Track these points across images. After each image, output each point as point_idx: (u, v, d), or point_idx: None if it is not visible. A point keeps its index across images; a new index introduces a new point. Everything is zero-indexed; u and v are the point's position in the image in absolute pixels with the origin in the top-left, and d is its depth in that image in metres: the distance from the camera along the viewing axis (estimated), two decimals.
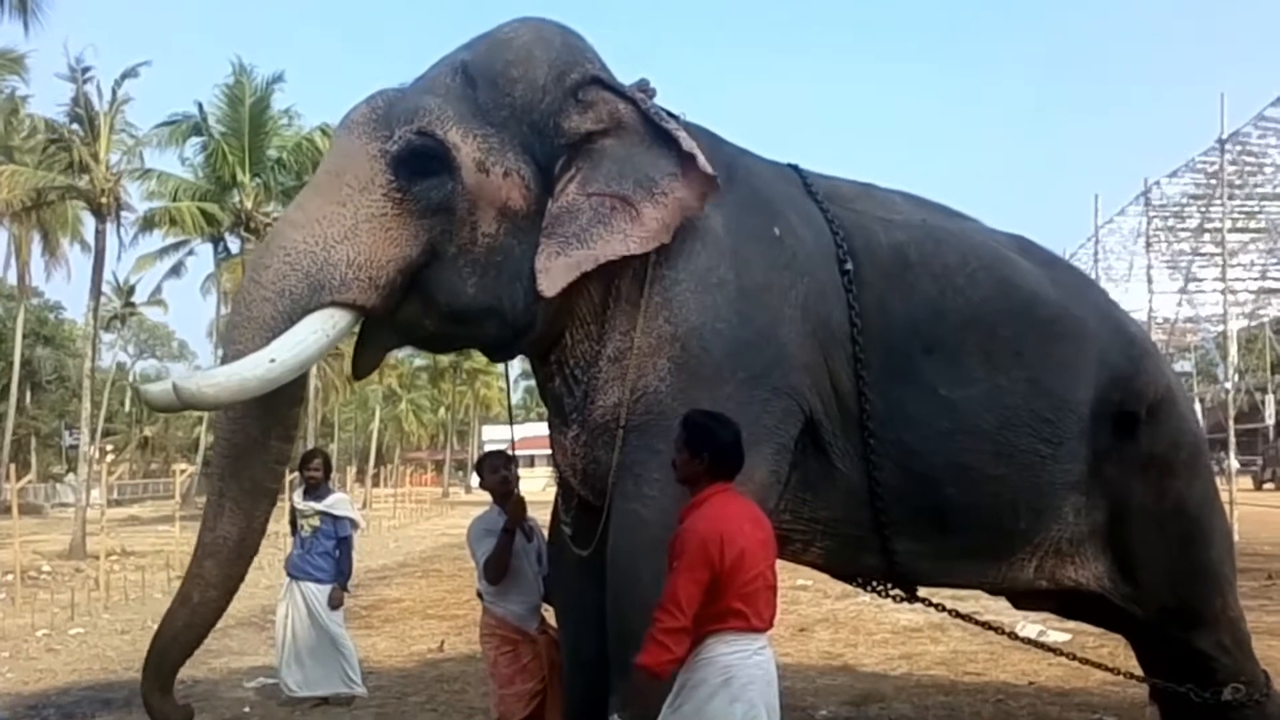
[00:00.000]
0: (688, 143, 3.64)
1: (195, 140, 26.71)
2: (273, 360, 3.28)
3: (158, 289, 47.55)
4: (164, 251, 34.05)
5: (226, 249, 32.47)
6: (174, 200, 26.80)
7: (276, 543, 19.48)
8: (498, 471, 4.72)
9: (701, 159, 3.61)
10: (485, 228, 3.59)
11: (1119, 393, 4.21)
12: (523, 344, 3.83)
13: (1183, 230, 21.18)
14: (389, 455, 63.94)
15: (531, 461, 63.09)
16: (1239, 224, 20.03)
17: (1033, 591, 4.39)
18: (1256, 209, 20.09)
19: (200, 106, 26.72)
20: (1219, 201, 18.55)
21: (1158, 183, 20.28)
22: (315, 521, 7.07)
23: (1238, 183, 18.85)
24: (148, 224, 27.60)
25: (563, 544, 4.12)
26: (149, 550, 19.21)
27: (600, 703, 3.74)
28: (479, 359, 56.89)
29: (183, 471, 22.45)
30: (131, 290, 51.57)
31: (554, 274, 3.58)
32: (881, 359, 3.87)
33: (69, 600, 11.89)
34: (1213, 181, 18.88)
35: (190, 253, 34.47)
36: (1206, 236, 20.78)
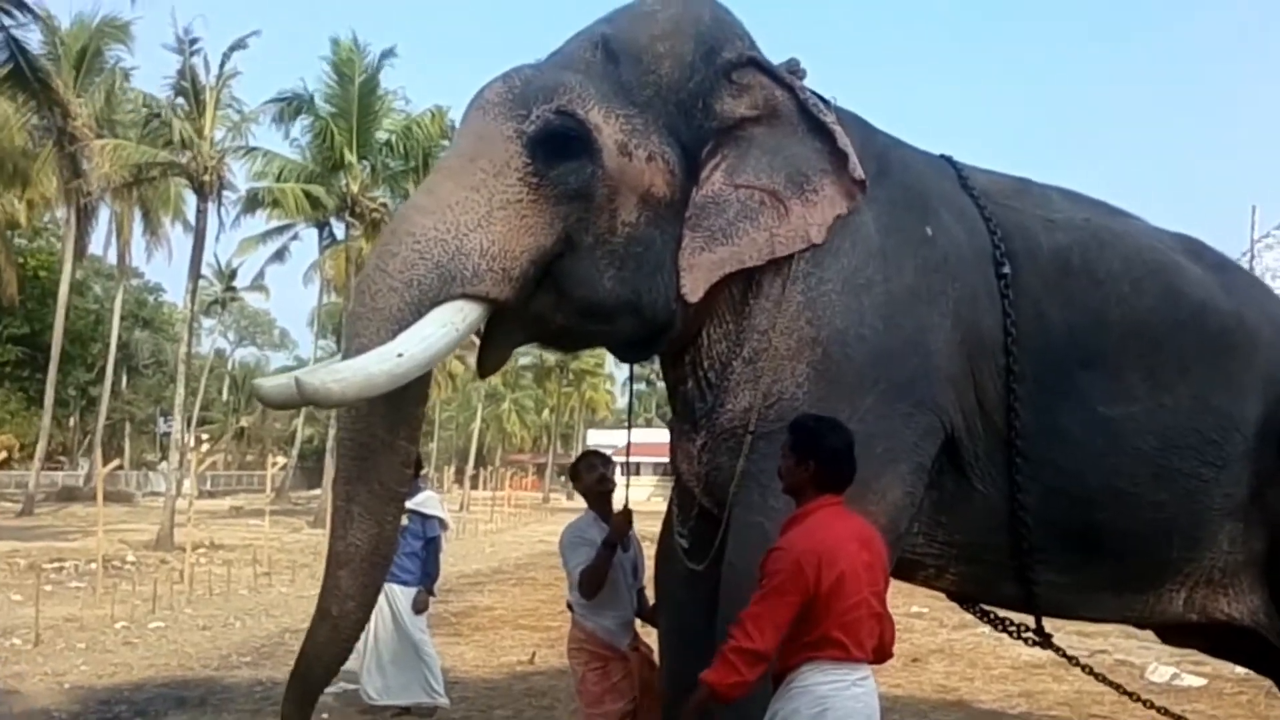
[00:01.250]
0: (843, 139, 3.61)
1: (303, 121, 27.41)
2: (400, 355, 3.20)
3: (260, 274, 49.00)
4: (267, 235, 35.31)
5: (331, 234, 33.41)
6: (278, 181, 27.56)
7: None
8: (595, 470, 4.66)
9: (854, 160, 3.59)
10: (626, 216, 3.54)
11: None
12: (660, 343, 3.77)
13: None
14: (490, 457, 65.02)
15: (637, 469, 63.67)
16: None
17: (1181, 626, 4.25)
18: None
19: (304, 85, 27.41)
20: None
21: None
22: (403, 520, 7.11)
23: None
24: (251, 204, 28.43)
25: (673, 557, 4.05)
26: (237, 544, 19.80)
27: None
28: (587, 359, 58.24)
29: (276, 464, 23.11)
30: (233, 274, 53.45)
31: (698, 272, 3.56)
32: (1035, 372, 3.79)
33: (151, 592, 12.25)
34: None
35: (294, 237, 35.65)
36: None
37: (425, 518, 7.06)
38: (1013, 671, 8.90)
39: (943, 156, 4.22)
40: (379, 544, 3.41)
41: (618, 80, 3.61)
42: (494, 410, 59.35)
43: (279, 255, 37.47)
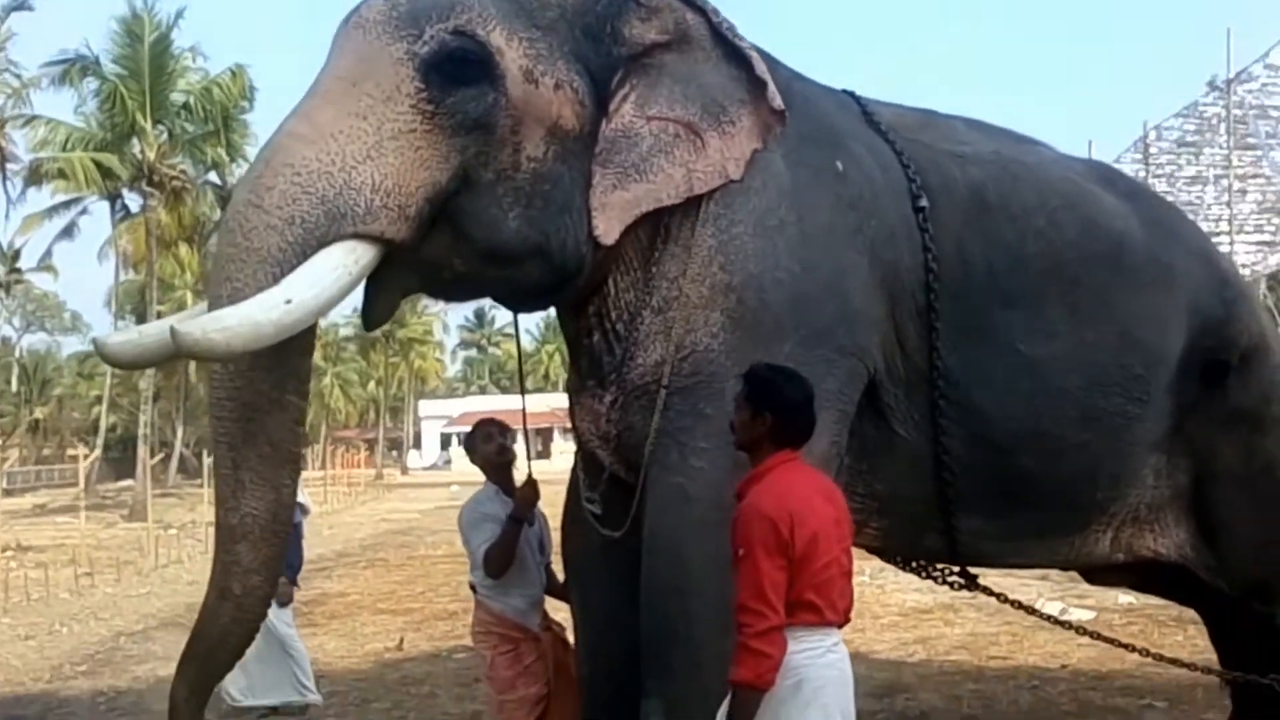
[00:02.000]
0: (760, 66, 3.51)
1: (90, 85, 25.92)
2: (289, 301, 2.98)
3: (47, 253, 46.07)
4: (53, 210, 33.21)
5: (125, 207, 31.82)
6: (65, 151, 26.02)
7: (196, 533, 19.31)
8: (492, 440, 4.49)
9: (772, 88, 3.48)
10: (531, 150, 3.36)
11: (1210, 339, 4.15)
12: (566, 290, 3.60)
13: (1182, 178, 21.22)
14: (313, 434, 63.40)
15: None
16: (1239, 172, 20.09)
17: (1107, 566, 4.33)
18: (1259, 158, 20.11)
19: (88, 46, 25.95)
20: (1220, 149, 18.63)
21: (1157, 128, 20.38)
22: None
23: (1243, 129, 18.91)
24: (35, 177, 26.95)
25: (583, 526, 3.93)
26: (48, 544, 18.80)
27: (629, 710, 3.55)
28: (415, 326, 57.23)
29: (86, 456, 22.00)
30: (17, 255, 50.33)
31: (611, 212, 3.41)
32: (956, 312, 3.76)
33: None
34: (1212, 126, 18.96)
35: (84, 211, 33.68)
36: (1209, 189, 20.78)
37: None
38: (902, 619, 9.09)
39: (845, 91, 4.16)
40: (278, 510, 3.21)
41: (519, 1, 3.43)
42: (315, 386, 57.85)
43: (67, 232, 35.32)
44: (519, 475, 4.45)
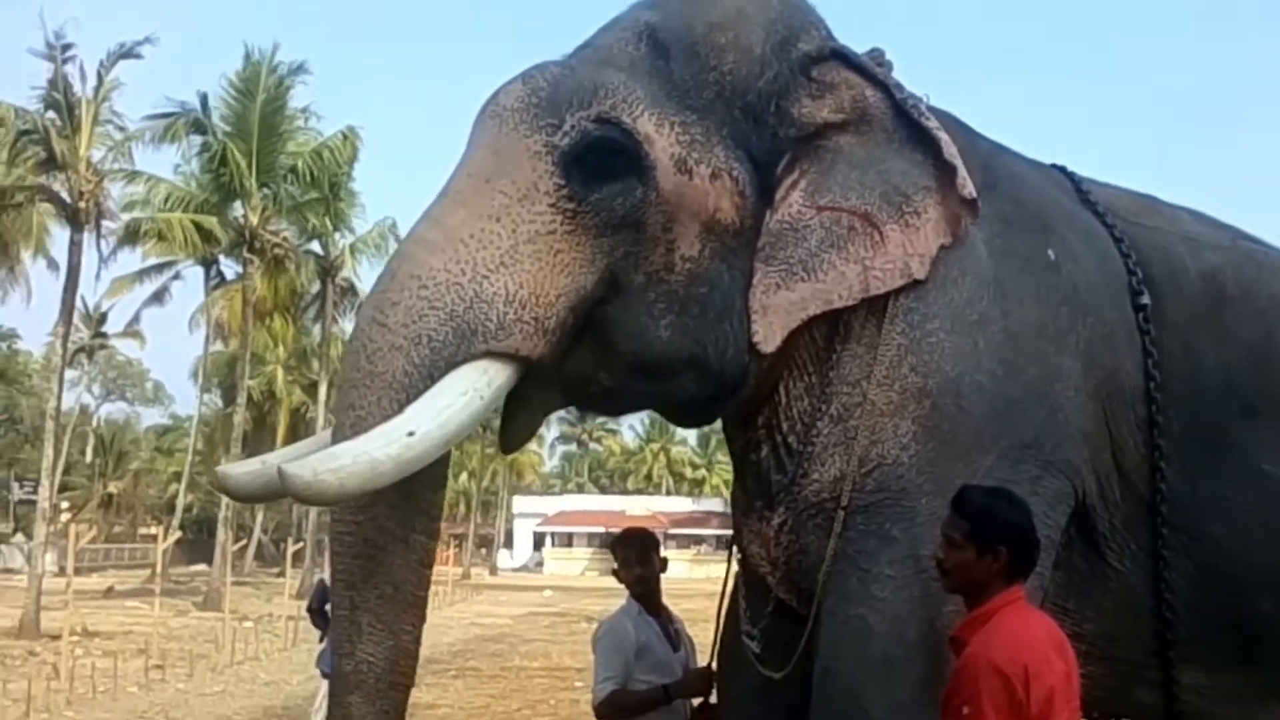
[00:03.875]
0: (950, 149, 3.32)
1: (193, 141, 26.82)
2: (412, 434, 2.87)
3: (135, 318, 47.76)
4: (145, 273, 34.36)
5: (220, 273, 32.75)
6: (164, 210, 26.91)
7: (275, 626, 19.36)
8: (631, 568, 4.37)
9: (963, 174, 3.30)
10: (686, 249, 3.24)
11: None
12: (726, 403, 3.48)
13: None
14: None
15: (569, 540, 63.36)
16: None
17: None
18: None
19: (204, 98, 26.86)
20: None
21: None
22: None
23: None
24: (130, 236, 27.81)
25: (741, 664, 3.74)
26: (117, 630, 19.01)
27: None
28: None
29: (169, 534, 22.33)
30: (103, 318, 52.11)
31: (774, 316, 3.28)
32: (1185, 424, 3.54)
33: (24, 691, 11.60)
34: None
35: (176, 276, 34.81)
36: None
37: None
38: None
39: (1054, 166, 3.99)
40: (397, 659, 3.09)
41: (670, 79, 3.32)
42: None
43: (157, 297, 36.51)
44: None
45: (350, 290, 34.75)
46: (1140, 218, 3.81)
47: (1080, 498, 3.44)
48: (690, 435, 68.59)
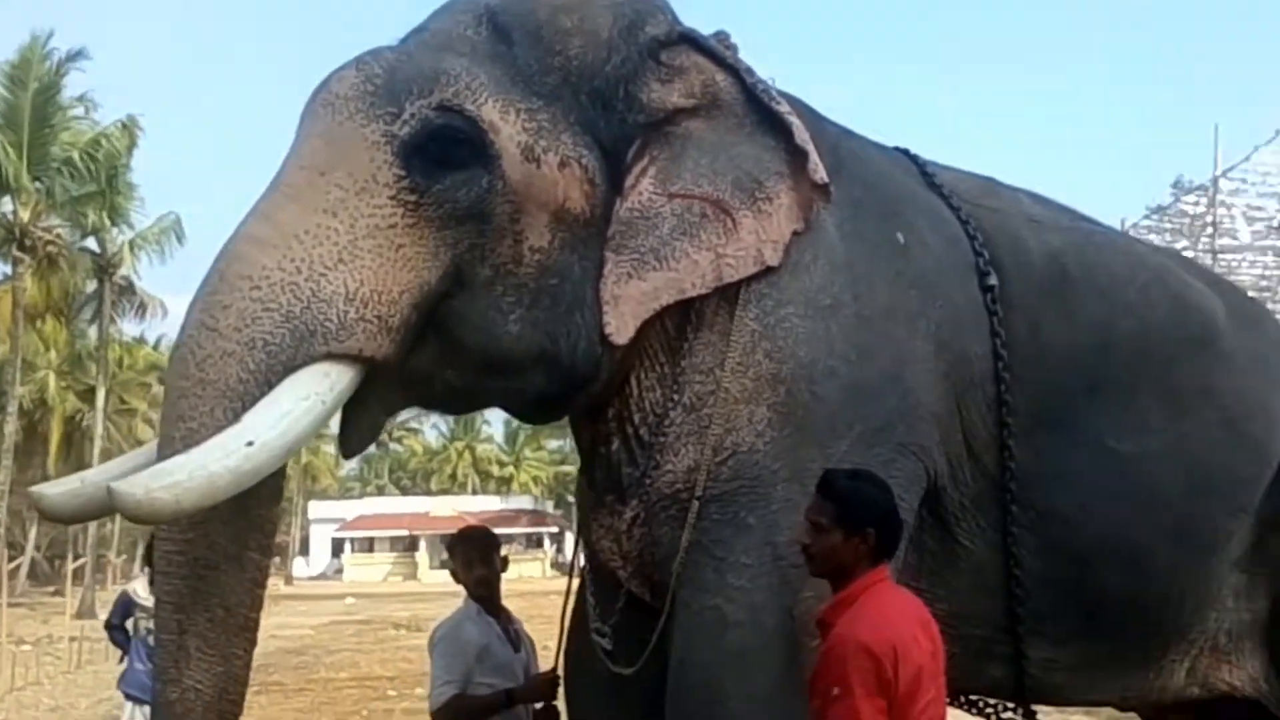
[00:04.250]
0: (801, 134, 3.34)
1: None
2: (251, 444, 2.78)
3: None
4: None
5: None
6: None
7: (55, 649, 18.43)
8: (472, 569, 4.29)
9: (814, 159, 3.32)
10: (534, 239, 3.20)
11: None
12: (579, 397, 3.44)
13: None
14: None
15: (370, 545, 62.24)
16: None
17: (1179, 703, 4.16)
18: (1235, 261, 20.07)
19: None
20: (1200, 250, 18.81)
21: (1134, 226, 19.69)
22: (147, 622, 6.56)
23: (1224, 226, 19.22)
24: None
25: (589, 663, 3.73)
26: None
27: None
28: None
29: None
30: None
31: (625, 306, 3.25)
32: (1033, 402, 3.64)
33: None
34: (1190, 229, 19.27)
35: None
36: None
37: None
38: None
39: (898, 149, 4.06)
40: (227, 686, 2.98)
41: (513, 65, 3.26)
42: None
43: None
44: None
45: (129, 290, 33.45)
46: (983, 199, 3.90)
47: (932, 479, 3.51)
48: (496, 432, 68.15)
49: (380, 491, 70.94)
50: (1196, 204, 19.61)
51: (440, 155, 3.08)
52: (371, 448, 3.26)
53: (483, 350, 3.20)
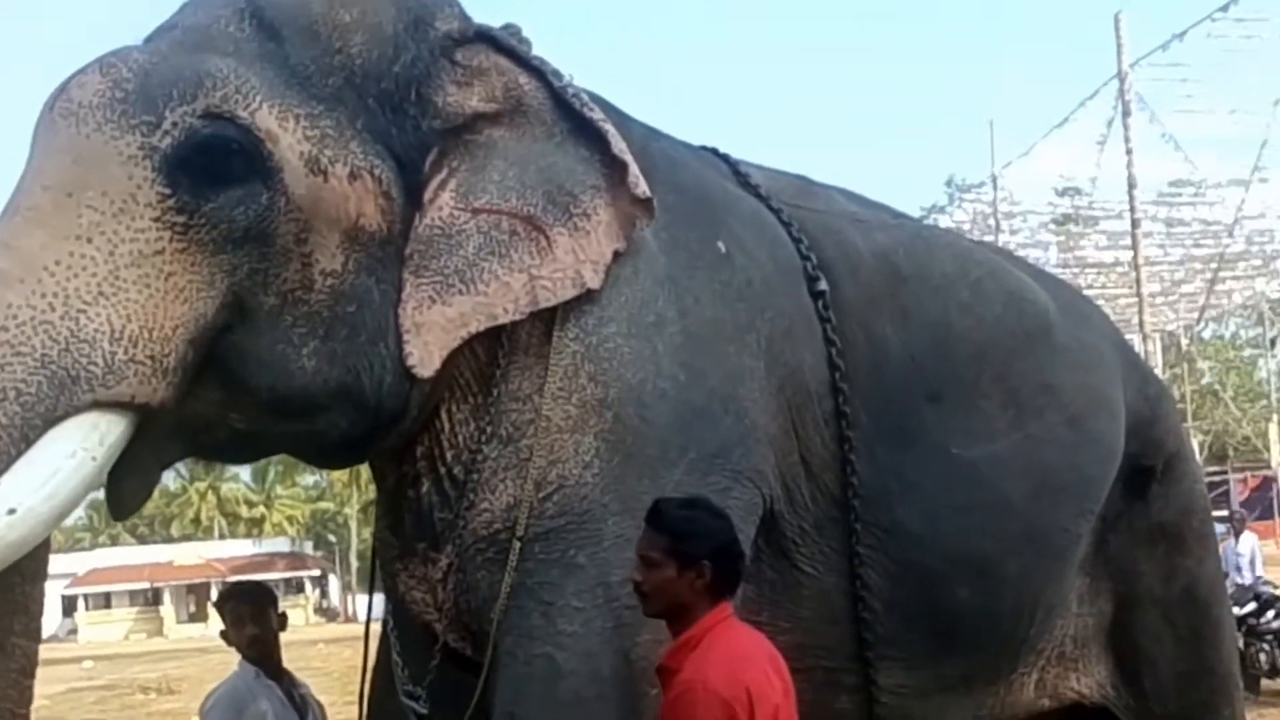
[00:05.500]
0: (619, 144, 3.21)
1: None
2: (12, 511, 2.57)
3: None
4: None
5: None
6: None
7: None
8: (243, 626, 4.13)
9: (634, 171, 3.20)
10: (326, 262, 2.99)
11: (1136, 443, 4.17)
12: (385, 437, 3.25)
13: None
14: None
15: (107, 601, 59.49)
16: None
17: (1029, 718, 4.24)
18: None
19: None
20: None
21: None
22: None
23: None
24: None
25: None
26: None
27: None
28: None
29: None
30: None
31: (429, 336, 3.07)
32: (873, 413, 3.60)
33: None
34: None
35: None
36: None
37: None
38: None
39: (705, 148, 3.98)
40: None
41: (286, 65, 3.05)
42: None
43: None
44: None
45: None
46: (801, 200, 3.86)
47: (768, 506, 3.43)
48: (244, 470, 66.42)
49: (114, 541, 67.82)
50: (976, 201, 20.65)
51: (210, 169, 2.87)
52: (100, 492, 2.95)
53: (273, 390, 2.99)
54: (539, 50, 3.34)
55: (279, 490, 68.86)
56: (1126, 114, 18.38)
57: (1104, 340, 4.31)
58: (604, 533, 3.11)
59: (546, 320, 3.21)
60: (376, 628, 3.78)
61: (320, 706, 4.26)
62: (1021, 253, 20.59)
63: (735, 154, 3.91)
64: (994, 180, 19.45)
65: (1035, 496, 3.83)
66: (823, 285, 3.60)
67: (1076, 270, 20.76)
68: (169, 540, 65.39)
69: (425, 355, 3.07)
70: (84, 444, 2.70)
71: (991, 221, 19.97)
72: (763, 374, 3.44)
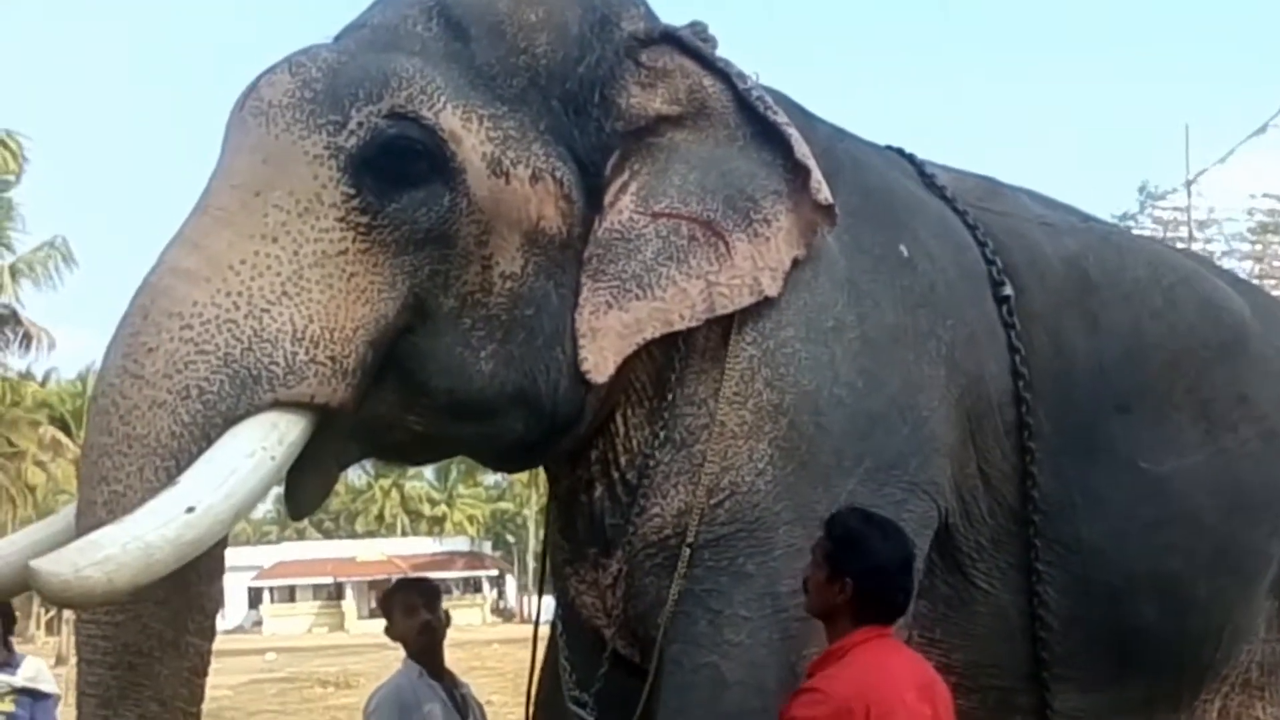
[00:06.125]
0: (801, 148, 3.19)
1: None
2: (192, 509, 2.59)
3: None
4: None
5: None
6: None
7: None
8: (416, 614, 4.21)
9: (817, 176, 3.18)
10: (505, 265, 3.04)
11: None
12: (561, 441, 3.30)
13: None
14: None
15: (292, 594, 61.59)
16: None
17: None
18: None
19: None
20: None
21: None
22: (7, 706, 6.23)
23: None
24: None
25: None
26: None
27: None
28: None
29: None
30: None
31: (605, 341, 3.10)
32: (1057, 424, 3.56)
33: None
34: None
35: None
36: None
37: (38, 697, 6.20)
38: None
39: (891, 148, 3.95)
40: None
41: (472, 65, 3.10)
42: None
43: None
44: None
45: (12, 319, 32.89)
46: (988, 202, 3.82)
47: (943, 519, 3.42)
48: (427, 469, 68.56)
49: (300, 535, 70.22)
50: (1169, 209, 19.95)
51: (394, 170, 2.94)
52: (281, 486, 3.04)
53: (451, 392, 3.06)
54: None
55: (461, 489, 70.48)
56: None
57: None
58: (774, 541, 3.13)
59: (724, 324, 3.23)
60: (545, 630, 3.84)
61: (480, 707, 4.32)
62: (1217, 262, 19.90)
63: (927, 156, 3.90)
64: (1188, 186, 18.70)
65: (1228, 514, 3.76)
66: (1008, 290, 3.57)
67: (1275, 281, 19.92)
68: (353, 536, 67.46)
69: (600, 360, 3.11)
70: (263, 443, 2.75)
71: (1185, 230, 19.31)
72: (943, 382, 3.43)
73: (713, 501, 3.18)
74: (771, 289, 3.19)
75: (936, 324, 3.45)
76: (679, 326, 3.15)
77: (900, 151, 3.93)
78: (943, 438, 3.41)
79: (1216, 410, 3.79)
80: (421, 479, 71.12)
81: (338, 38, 3.24)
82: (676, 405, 3.24)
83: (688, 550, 3.17)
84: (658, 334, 3.14)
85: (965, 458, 3.47)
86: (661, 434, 3.24)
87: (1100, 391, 3.65)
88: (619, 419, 3.30)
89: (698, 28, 3.39)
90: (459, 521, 69.75)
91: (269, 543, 69.19)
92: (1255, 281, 17.73)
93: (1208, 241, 19.41)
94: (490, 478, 64.78)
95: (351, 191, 2.90)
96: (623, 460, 3.31)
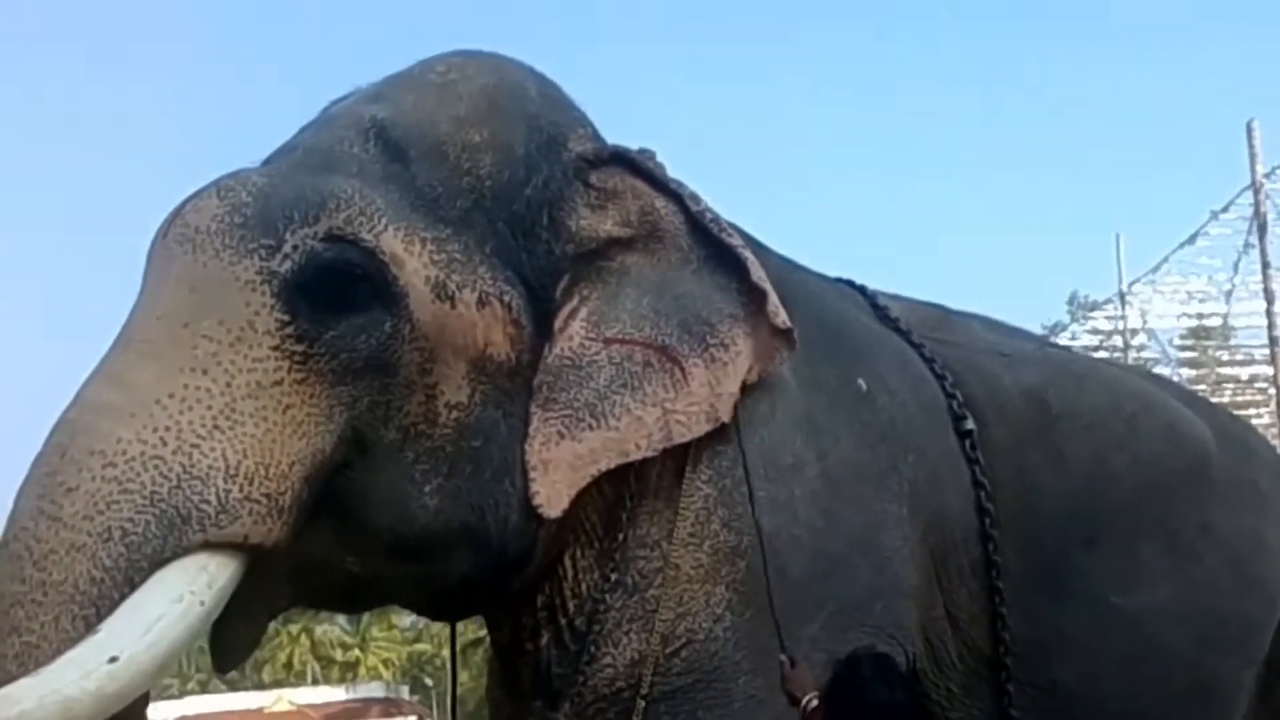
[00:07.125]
0: (757, 271, 3.20)
1: None
2: (115, 659, 2.48)
3: None
4: None
5: None
6: None
7: None
8: None
9: (774, 300, 3.18)
10: (451, 394, 2.97)
11: None
12: (509, 584, 3.20)
13: None
14: None
15: None
16: None
17: None
18: None
19: None
20: None
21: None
22: None
23: None
24: None
25: None
26: None
27: None
28: None
29: None
30: None
31: (557, 474, 3.04)
32: (1025, 561, 3.55)
33: None
34: None
35: None
36: None
37: None
38: None
39: (841, 280, 3.96)
40: None
41: (413, 187, 3.06)
42: None
43: None
44: None
45: None
46: (941, 333, 3.82)
47: (910, 664, 3.33)
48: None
49: (203, 688, 67.82)
50: (1105, 319, 20.40)
51: (332, 295, 2.87)
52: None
53: (392, 530, 2.95)
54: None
55: (375, 632, 68.73)
56: (1262, 226, 18.16)
57: (1263, 471, 4.17)
58: (734, 693, 3.06)
59: (678, 460, 3.16)
60: None
61: None
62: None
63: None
64: (1121, 298, 19.25)
65: (1200, 646, 3.73)
66: (970, 425, 3.55)
67: (1211, 386, 20.52)
68: (260, 686, 65.36)
69: (553, 494, 3.03)
70: (191, 587, 2.63)
71: (1119, 339, 19.88)
72: (905, 520, 3.39)
73: (668, 650, 3.07)
74: (726, 415, 3.12)
75: (898, 459, 3.40)
76: (635, 457, 3.06)
77: (850, 283, 3.91)
78: (907, 579, 3.33)
79: (1182, 541, 3.76)
80: (333, 622, 69.23)
81: (266, 161, 3.15)
82: (628, 547, 3.14)
83: (642, 703, 3.06)
84: (613, 464, 3.05)
85: (931, 599, 3.39)
86: (613, 577, 3.13)
87: (1067, 526, 3.61)
88: (567, 561, 3.18)
89: (647, 153, 3.35)
90: (373, 666, 67.77)
91: (169, 697, 66.84)
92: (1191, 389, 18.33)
93: (1140, 349, 20.00)
94: (407, 618, 63.36)
95: (286, 318, 2.80)
96: (571, 606, 3.19)
